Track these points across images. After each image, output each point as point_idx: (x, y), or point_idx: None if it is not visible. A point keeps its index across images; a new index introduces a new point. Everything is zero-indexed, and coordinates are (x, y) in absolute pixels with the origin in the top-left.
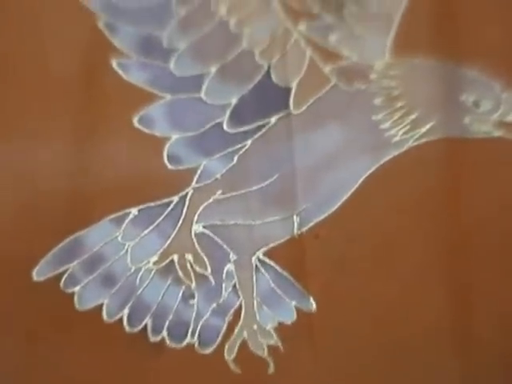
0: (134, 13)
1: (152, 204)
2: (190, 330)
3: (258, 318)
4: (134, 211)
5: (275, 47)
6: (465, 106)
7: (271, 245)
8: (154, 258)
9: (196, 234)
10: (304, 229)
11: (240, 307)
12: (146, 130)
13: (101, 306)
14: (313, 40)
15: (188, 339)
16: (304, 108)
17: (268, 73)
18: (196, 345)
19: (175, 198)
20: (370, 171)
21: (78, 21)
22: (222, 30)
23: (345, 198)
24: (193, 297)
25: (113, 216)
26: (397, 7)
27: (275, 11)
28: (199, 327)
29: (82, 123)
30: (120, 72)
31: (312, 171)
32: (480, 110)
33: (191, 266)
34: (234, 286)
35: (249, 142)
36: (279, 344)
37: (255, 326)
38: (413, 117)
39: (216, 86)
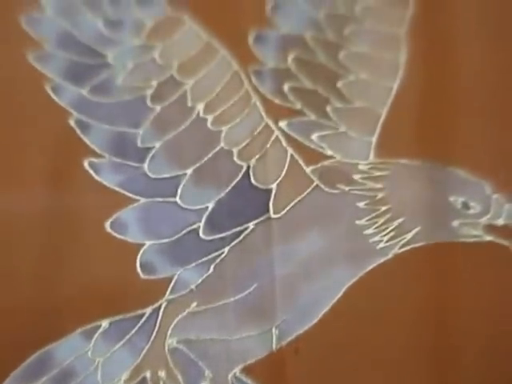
0: (107, 109)
1: (124, 316)
2: None
3: None
4: (104, 324)
5: (255, 146)
6: (454, 208)
7: (249, 361)
8: (125, 376)
9: (169, 350)
10: (283, 343)
11: None
12: (118, 236)
13: None
14: (294, 138)
15: None
16: (284, 212)
17: (247, 174)
18: None
19: (148, 310)
20: (354, 280)
21: (48, 118)
22: (199, 127)
23: (327, 308)
24: None
25: (83, 329)
26: (382, 103)
27: (255, 107)
28: None
29: (50, 227)
30: (92, 172)
31: (292, 280)
32: (470, 212)
33: None
34: None
35: (226, 250)
36: None
37: None
38: (398, 221)
39: (192, 188)
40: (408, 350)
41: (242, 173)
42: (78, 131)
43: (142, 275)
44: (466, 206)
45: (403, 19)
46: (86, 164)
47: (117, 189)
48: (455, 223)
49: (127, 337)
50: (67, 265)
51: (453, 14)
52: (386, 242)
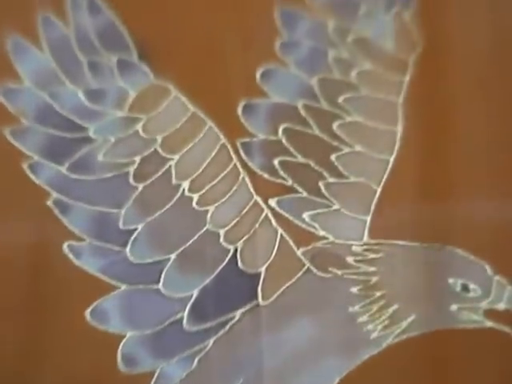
0: (88, 187)
1: None
2: None
3: None
4: None
5: (243, 227)
6: (452, 291)
7: None
8: None
9: None
10: None
11: None
12: (98, 326)
13: None
14: (285, 217)
15: None
16: (273, 298)
17: (234, 257)
18: None
19: None
20: (347, 371)
21: (25, 199)
22: (184, 207)
23: None
24: None
25: None
26: (378, 178)
27: (244, 184)
28: None
29: (27, 318)
30: (71, 257)
31: (281, 372)
32: (470, 295)
33: None
34: None
35: (211, 342)
36: None
37: None
38: (393, 309)
39: (176, 275)
40: None
41: (229, 257)
42: (57, 212)
43: (122, 369)
44: (465, 288)
45: (401, 86)
46: (65, 247)
47: (97, 274)
48: (454, 307)
49: None
50: (44, 358)
51: (451, 81)
52: (380, 331)
